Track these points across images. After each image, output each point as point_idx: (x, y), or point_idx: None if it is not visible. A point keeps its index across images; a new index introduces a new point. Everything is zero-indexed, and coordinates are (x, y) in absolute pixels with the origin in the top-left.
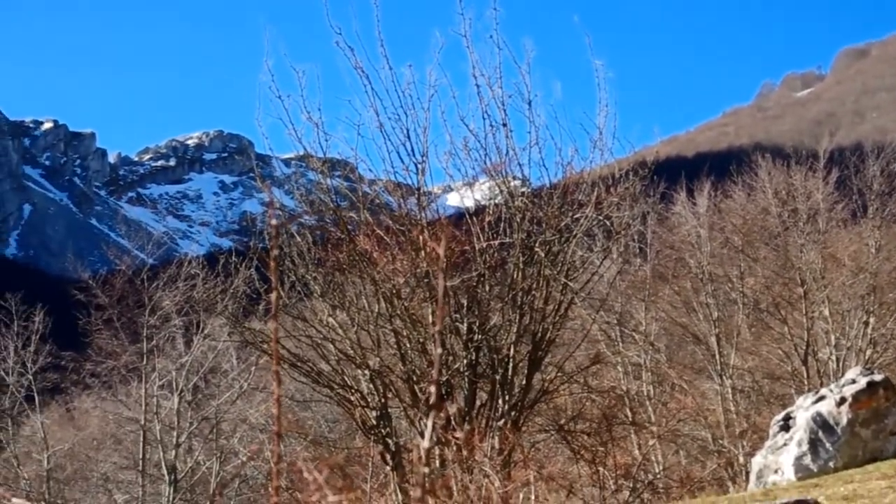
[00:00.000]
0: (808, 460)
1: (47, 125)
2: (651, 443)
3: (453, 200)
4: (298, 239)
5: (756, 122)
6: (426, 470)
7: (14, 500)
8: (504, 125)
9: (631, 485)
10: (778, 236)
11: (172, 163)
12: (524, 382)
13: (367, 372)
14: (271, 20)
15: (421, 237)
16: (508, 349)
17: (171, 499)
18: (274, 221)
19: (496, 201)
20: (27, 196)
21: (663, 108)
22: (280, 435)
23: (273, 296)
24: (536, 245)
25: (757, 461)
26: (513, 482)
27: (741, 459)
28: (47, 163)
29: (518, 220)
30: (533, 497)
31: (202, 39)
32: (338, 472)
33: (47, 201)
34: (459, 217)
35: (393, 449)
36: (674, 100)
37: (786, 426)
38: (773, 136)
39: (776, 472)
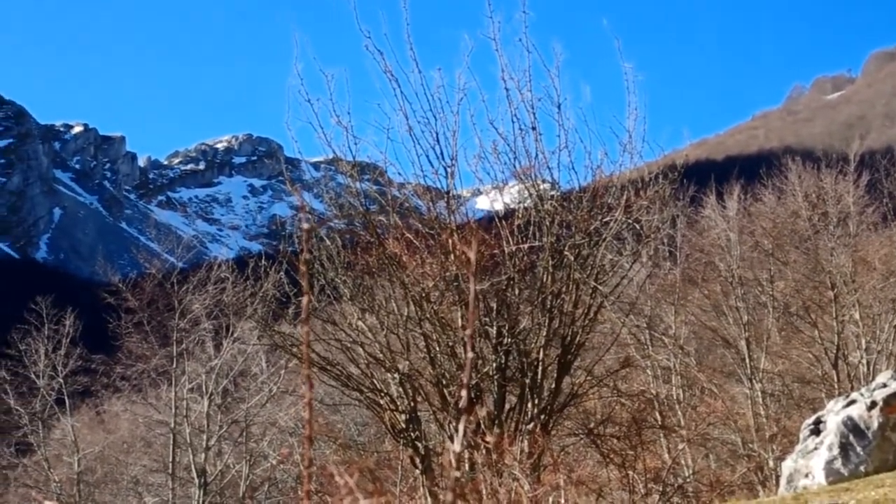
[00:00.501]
0: (838, 464)
1: (77, 129)
2: (681, 446)
3: (482, 204)
4: (328, 242)
5: (786, 125)
6: (457, 473)
7: (47, 503)
8: (533, 128)
9: (661, 489)
10: (808, 240)
11: (202, 166)
12: (553, 386)
13: (396, 375)
14: (300, 24)
15: (450, 241)
16: (538, 353)
17: (200, 502)
18: (305, 225)
19: (525, 205)
20: (57, 200)
21: (693, 111)
22: (311, 438)
23: (304, 299)
24: (566, 248)
25: (787, 465)
26: (542, 486)
27: (771, 463)
28: (77, 166)
29: (547, 223)
30: (563, 501)
31: (232, 43)
32: (368, 476)
33: (77, 205)
34: (489, 220)
35: (422, 452)
36: (703, 103)
37: (816, 430)
38: (803, 139)
39: (807, 476)
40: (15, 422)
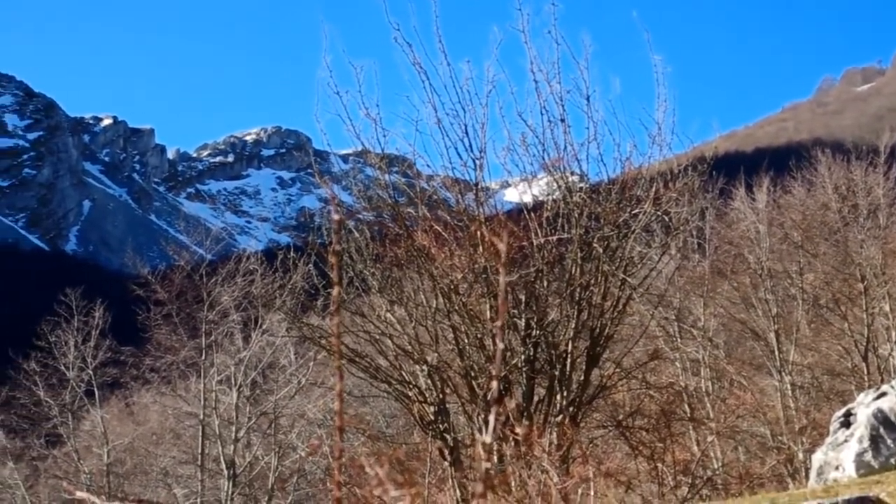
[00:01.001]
0: (869, 457)
1: (107, 121)
2: (710, 439)
3: (511, 196)
4: (357, 234)
5: (816, 117)
6: (488, 465)
7: (78, 493)
8: (562, 121)
9: (690, 481)
10: (838, 232)
11: (231, 159)
12: (582, 378)
13: (424, 367)
14: (329, 16)
15: (479, 233)
16: (566, 345)
17: (229, 493)
18: (336, 216)
19: (554, 197)
20: (87, 192)
21: (722, 103)
22: (342, 429)
23: (335, 291)
24: (594, 241)
25: (817, 458)
26: (571, 478)
27: (801, 456)
28: (107, 159)
29: (576, 215)
30: (592, 493)
31: (261, 36)
32: (398, 468)
33: (107, 197)
34: (517, 212)
35: (451, 444)
36: (733, 95)
37: (846, 422)
38: (832, 132)
39: (837, 468)
40: (45, 413)
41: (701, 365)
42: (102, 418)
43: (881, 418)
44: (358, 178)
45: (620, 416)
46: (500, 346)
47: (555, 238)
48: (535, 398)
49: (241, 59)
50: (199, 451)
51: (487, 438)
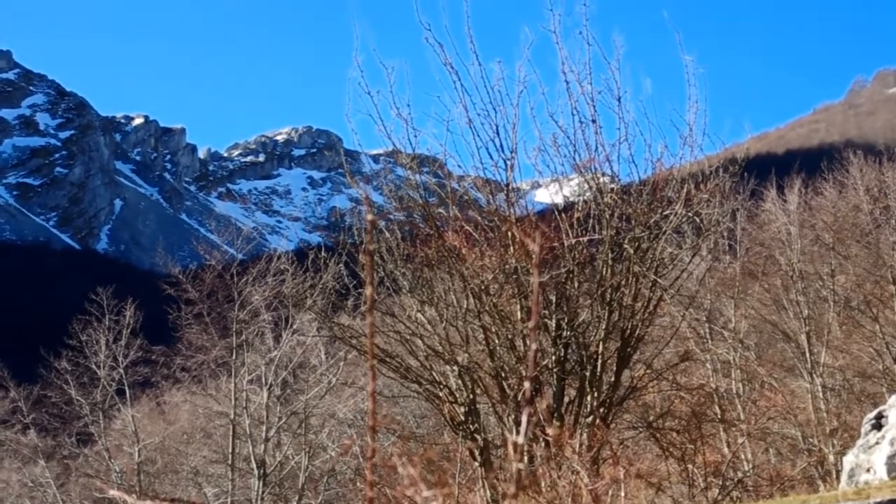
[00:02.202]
0: None
1: (138, 121)
2: (740, 441)
3: (541, 197)
4: (388, 235)
5: (848, 118)
6: (520, 465)
7: (110, 491)
8: (593, 121)
9: (720, 483)
10: (869, 234)
11: (261, 158)
12: (613, 379)
13: (455, 368)
14: (361, 16)
15: (510, 233)
16: (597, 346)
17: (260, 493)
18: (370, 216)
19: (585, 197)
20: (118, 191)
21: (754, 104)
22: (374, 429)
23: (367, 290)
24: (625, 242)
25: (848, 460)
26: (602, 479)
27: (832, 458)
28: (138, 158)
29: (607, 216)
30: (622, 494)
31: (292, 35)
32: (429, 468)
33: (138, 196)
34: (548, 213)
35: (481, 445)
36: (764, 96)
37: (878, 425)
38: (865, 133)
39: (868, 471)
40: (76, 412)
41: (732, 366)
42: (133, 417)
43: None
44: (389, 178)
45: (651, 418)
46: (534, 346)
47: (586, 239)
48: (566, 399)
49: (273, 59)
50: (230, 450)
51: (519, 439)
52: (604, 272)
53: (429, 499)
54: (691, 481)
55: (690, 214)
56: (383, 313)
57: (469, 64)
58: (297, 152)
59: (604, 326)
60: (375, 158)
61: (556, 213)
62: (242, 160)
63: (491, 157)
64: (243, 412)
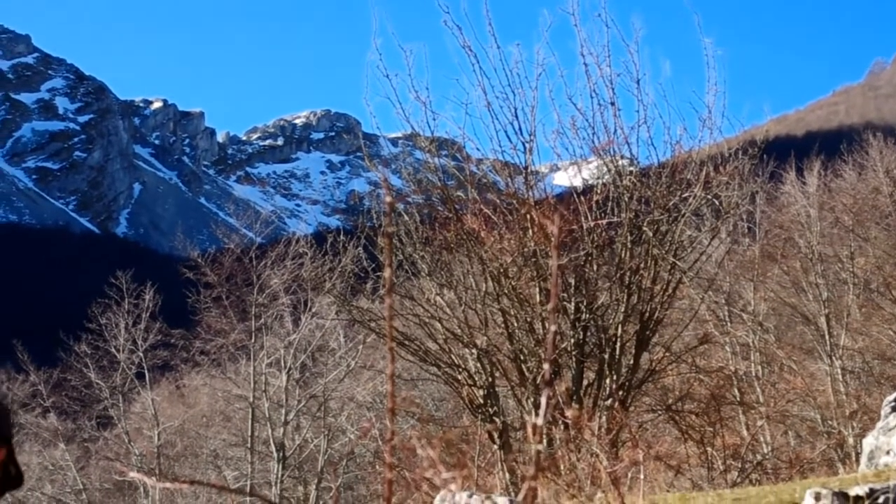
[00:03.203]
0: None
1: (157, 104)
2: (760, 423)
3: (560, 180)
4: (406, 218)
5: (867, 100)
6: (540, 447)
7: (130, 474)
8: (612, 104)
9: (739, 465)
10: (889, 216)
11: (280, 142)
12: (632, 362)
13: (474, 351)
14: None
15: (529, 216)
16: (616, 329)
17: (279, 476)
18: (388, 198)
19: (604, 180)
20: (137, 175)
21: (773, 87)
22: (393, 411)
23: (386, 272)
24: (644, 224)
25: (868, 442)
26: (621, 462)
27: (851, 440)
28: (157, 142)
29: (626, 199)
30: (641, 477)
31: (310, 19)
32: (448, 450)
33: (157, 180)
34: (567, 196)
35: (500, 428)
36: (783, 78)
37: None
38: (884, 115)
39: (888, 453)
40: (96, 395)
41: (751, 349)
42: (153, 400)
43: None
44: (407, 162)
45: (670, 401)
46: (553, 328)
47: (604, 222)
48: (585, 382)
49: (291, 43)
50: (249, 433)
51: (539, 421)
52: (623, 255)
53: (447, 480)
54: (710, 464)
55: (709, 197)
56: (402, 296)
57: (487, 47)
58: (315, 136)
59: (623, 309)
60: (394, 142)
61: (575, 195)
62: (261, 144)
63: (509, 140)
64: (262, 395)
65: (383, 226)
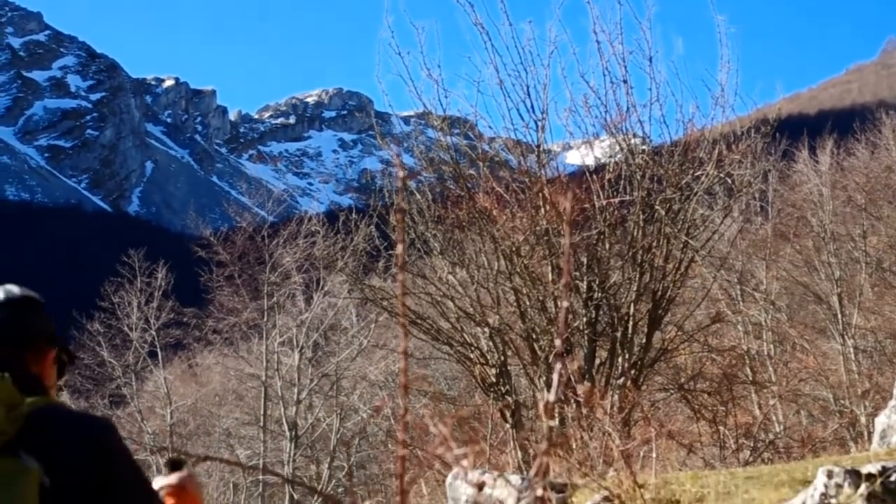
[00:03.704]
0: None
1: (169, 83)
2: (772, 402)
3: (572, 158)
4: (418, 196)
5: (880, 79)
6: (552, 423)
7: (144, 453)
8: (625, 82)
9: (751, 444)
10: None
11: (292, 120)
12: (644, 341)
13: (486, 329)
14: None
15: (541, 194)
16: (628, 307)
17: (291, 454)
18: (401, 173)
19: (616, 159)
20: (149, 153)
21: (786, 65)
22: (406, 387)
23: (398, 248)
24: (657, 203)
25: (880, 421)
26: (633, 440)
27: (863, 419)
28: (169, 120)
29: (638, 177)
30: (654, 455)
31: None
32: (460, 428)
33: (169, 158)
34: (579, 175)
35: (512, 406)
36: (796, 56)
37: None
38: None
39: None
40: (108, 374)
41: (763, 328)
42: (165, 379)
43: None
44: (419, 140)
45: (682, 380)
46: (564, 304)
47: (617, 200)
48: (597, 361)
49: (304, 21)
50: (262, 412)
51: (551, 396)
52: (635, 234)
53: (459, 457)
54: (722, 443)
55: (722, 175)
56: (414, 275)
57: (500, 24)
58: (327, 114)
59: (635, 288)
60: (406, 120)
61: (587, 174)
62: (273, 122)
63: (522, 119)
64: (275, 374)
65: (395, 202)
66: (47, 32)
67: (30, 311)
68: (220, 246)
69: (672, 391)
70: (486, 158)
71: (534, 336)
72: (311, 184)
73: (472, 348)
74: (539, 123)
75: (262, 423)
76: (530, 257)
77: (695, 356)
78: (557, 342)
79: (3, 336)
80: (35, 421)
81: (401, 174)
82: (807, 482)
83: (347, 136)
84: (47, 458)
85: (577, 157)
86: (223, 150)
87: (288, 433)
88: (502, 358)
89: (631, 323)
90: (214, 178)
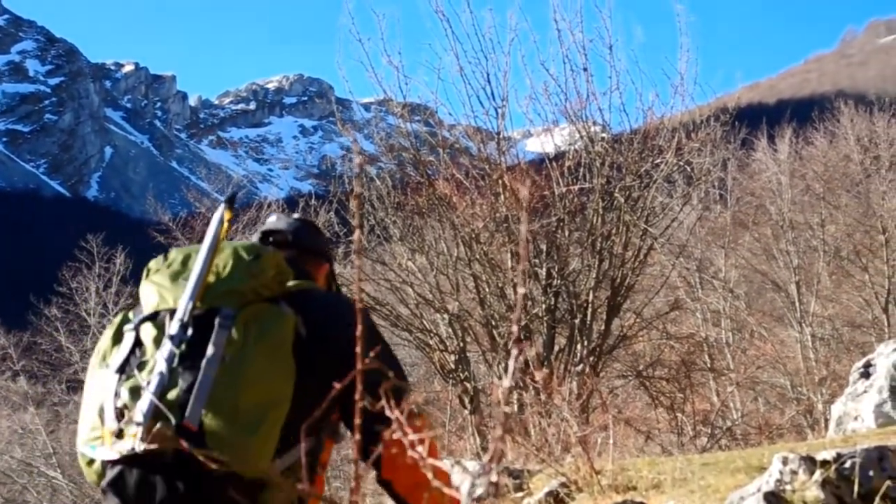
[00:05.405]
0: (888, 408)
1: (128, 68)
2: (730, 390)
3: (533, 146)
4: (378, 183)
5: (839, 68)
6: (507, 409)
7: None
8: (585, 70)
9: (709, 431)
10: (860, 183)
11: (252, 106)
12: (603, 328)
13: (445, 316)
14: None
15: (501, 181)
16: (587, 294)
17: None
18: (358, 159)
19: (576, 146)
20: (108, 138)
21: (745, 54)
22: (363, 373)
23: (356, 234)
24: (616, 190)
25: (836, 408)
26: (591, 426)
27: (820, 407)
28: (128, 105)
29: (598, 165)
30: (611, 442)
31: None
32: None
33: (128, 144)
34: (539, 162)
35: (471, 392)
36: (756, 46)
37: (866, 373)
38: (856, 83)
39: (856, 419)
40: (66, 359)
41: (721, 316)
42: None
43: None
44: (380, 127)
45: (641, 366)
46: (521, 290)
47: (576, 187)
48: (556, 348)
49: (264, 6)
50: None
51: (506, 382)
52: (594, 221)
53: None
54: (680, 429)
55: (681, 163)
56: (374, 261)
57: (460, 11)
58: (288, 100)
59: (594, 275)
60: (367, 107)
61: (547, 161)
62: (233, 108)
63: (482, 106)
64: None
65: (354, 188)
66: (6, 17)
67: (316, 230)
68: (179, 231)
69: (630, 378)
70: (447, 145)
71: (493, 323)
72: (271, 170)
73: (432, 335)
74: (499, 111)
75: None
76: (490, 244)
77: (653, 343)
78: (514, 328)
79: (295, 243)
80: (297, 292)
81: (358, 160)
82: (763, 469)
83: (308, 123)
84: (303, 314)
85: (538, 144)
86: (183, 136)
87: None
88: (461, 344)
89: (590, 310)
90: (174, 164)
